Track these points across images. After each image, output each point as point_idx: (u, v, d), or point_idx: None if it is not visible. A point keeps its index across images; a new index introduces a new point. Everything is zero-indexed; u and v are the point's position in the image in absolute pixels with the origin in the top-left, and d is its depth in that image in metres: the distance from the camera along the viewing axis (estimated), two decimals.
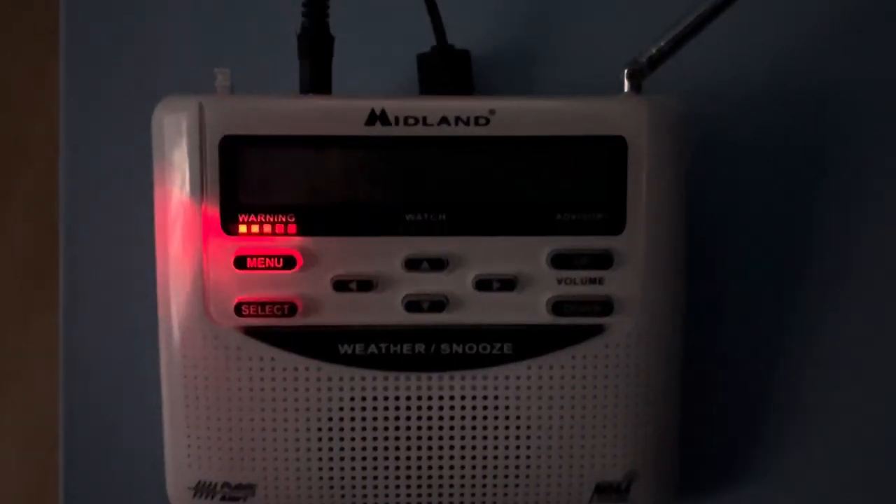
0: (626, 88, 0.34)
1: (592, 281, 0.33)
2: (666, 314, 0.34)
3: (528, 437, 0.34)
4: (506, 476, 0.34)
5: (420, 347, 0.33)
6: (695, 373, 0.37)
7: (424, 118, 0.32)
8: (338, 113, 0.32)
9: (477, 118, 0.32)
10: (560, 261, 0.33)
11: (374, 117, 0.32)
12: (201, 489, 0.34)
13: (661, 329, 0.34)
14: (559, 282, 0.33)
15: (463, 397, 0.34)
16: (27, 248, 0.98)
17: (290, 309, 0.33)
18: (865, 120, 0.40)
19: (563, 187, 0.33)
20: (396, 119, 0.32)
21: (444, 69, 0.38)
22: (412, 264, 0.33)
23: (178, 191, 0.33)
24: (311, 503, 0.34)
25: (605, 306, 0.33)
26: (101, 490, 0.39)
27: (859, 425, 0.40)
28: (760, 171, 0.40)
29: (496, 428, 0.34)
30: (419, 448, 0.34)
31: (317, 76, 0.35)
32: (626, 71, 0.34)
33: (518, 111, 0.33)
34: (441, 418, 0.34)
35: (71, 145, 0.40)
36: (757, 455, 0.40)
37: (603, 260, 0.33)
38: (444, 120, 0.32)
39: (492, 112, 0.32)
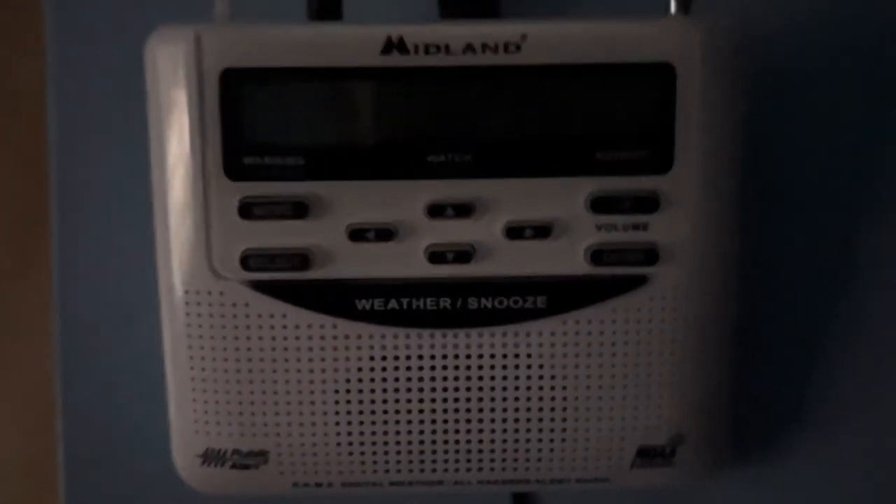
0: (672, 10, 0.31)
1: (636, 227, 0.30)
2: (717, 263, 0.31)
3: (564, 399, 0.31)
4: (539, 440, 0.31)
5: (445, 302, 0.30)
6: (752, 329, 0.34)
7: (447, 46, 0.29)
8: (350, 42, 0.29)
9: (507, 45, 0.29)
10: (600, 204, 0.30)
11: (390, 46, 0.29)
12: (210, 456, 0.32)
13: (712, 280, 0.31)
14: (599, 228, 0.30)
15: (492, 356, 0.31)
16: (19, 201, 0.95)
17: (302, 261, 0.30)
18: None
19: (603, 122, 0.30)
20: (416, 47, 0.29)
21: None
22: (435, 210, 0.30)
23: (175, 132, 0.30)
24: (328, 470, 0.32)
25: (650, 254, 0.30)
26: (102, 455, 0.36)
27: None
28: (814, 103, 0.36)
29: (529, 388, 0.31)
30: (445, 411, 0.31)
31: (326, 1, 0.31)
32: None
33: (553, 36, 0.29)
34: (469, 378, 0.31)
35: (59, 88, 0.36)
36: (817, 421, 0.37)
37: (648, 203, 0.30)
38: (469, 48, 0.29)
39: (523, 37, 0.29)
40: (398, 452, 0.32)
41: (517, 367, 0.31)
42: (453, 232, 0.30)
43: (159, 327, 0.32)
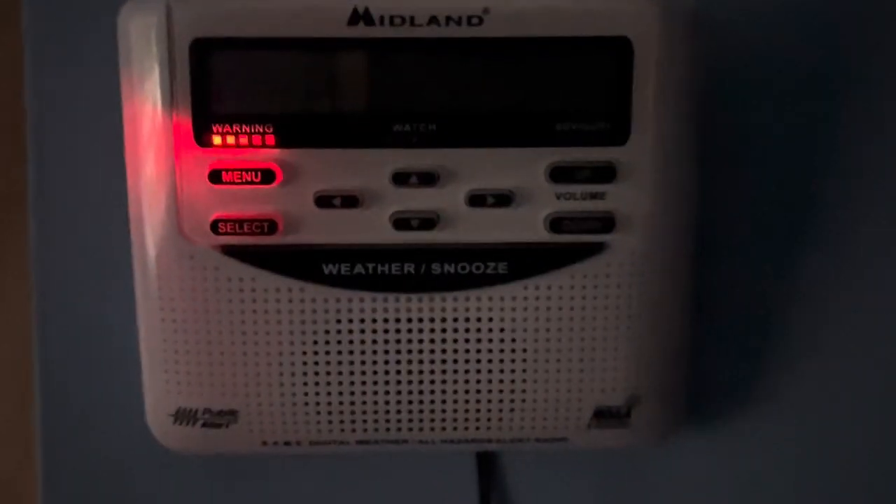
0: None
1: (594, 196, 0.31)
2: (673, 232, 0.32)
3: (524, 361, 0.32)
4: (500, 401, 0.33)
5: (409, 267, 0.31)
6: (708, 295, 0.35)
7: (412, 17, 0.30)
8: (317, 12, 0.30)
9: (469, 18, 0.30)
10: (559, 174, 0.31)
11: (356, 17, 0.30)
12: (181, 415, 0.33)
13: (667, 248, 0.32)
14: (558, 197, 0.31)
15: (455, 319, 0.32)
16: None
17: (270, 226, 0.31)
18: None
19: (562, 94, 0.31)
20: (381, 18, 0.30)
21: None
22: (400, 178, 0.31)
23: (146, 100, 0.30)
24: (296, 429, 0.33)
25: (607, 223, 0.31)
26: (79, 417, 0.37)
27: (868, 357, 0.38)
28: (775, 85, 0.37)
29: (490, 351, 0.32)
30: (409, 373, 0.32)
31: None
32: None
33: (514, 10, 0.30)
34: (432, 341, 0.32)
35: (35, 63, 0.37)
36: (766, 384, 0.38)
37: (605, 173, 0.31)
38: (433, 20, 0.30)
39: (486, 11, 0.30)
40: (364, 412, 0.33)
41: (479, 330, 0.32)
42: (418, 199, 0.31)
43: (133, 291, 0.33)
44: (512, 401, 0.33)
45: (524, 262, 0.32)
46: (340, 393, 0.32)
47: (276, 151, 0.30)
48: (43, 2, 0.37)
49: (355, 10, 0.30)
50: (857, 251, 0.38)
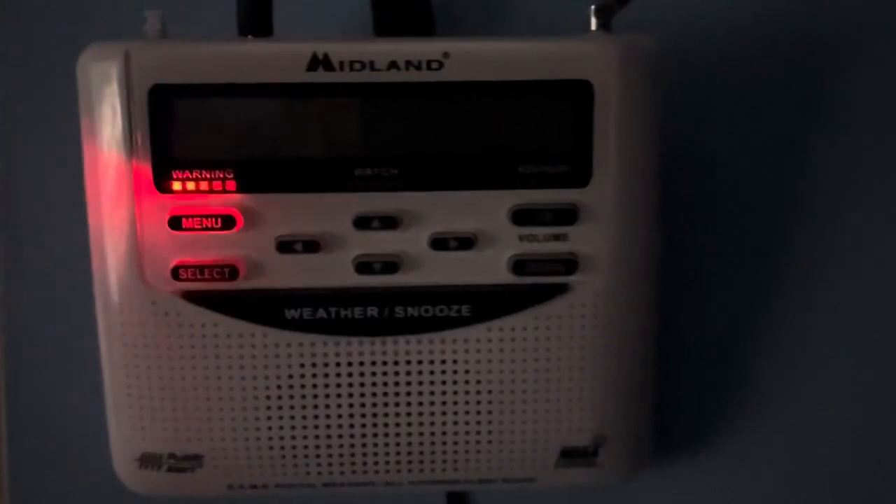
0: (593, 27, 0.32)
1: (556, 237, 0.31)
2: (635, 273, 0.32)
3: (490, 402, 0.32)
4: (467, 443, 0.33)
5: (372, 311, 0.31)
6: (671, 334, 0.35)
7: (372, 63, 0.30)
8: (277, 58, 0.30)
9: (429, 62, 0.30)
10: (522, 216, 0.31)
11: (316, 62, 0.30)
12: (147, 460, 0.33)
13: (631, 288, 0.32)
14: (521, 239, 0.31)
15: (420, 362, 0.32)
16: None
17: (231, 272, 0.31)
18: (857, 63, 0.37)
19: (524, 137, 0.31)
20: (341, 64, 0.30)
21: (400, 7, 0.34)
22: (362, 222, 0.31)
23: (106, 146, 0.30)
24: (261, 473, 0.33)
25: (570, 264, 0.31)
26: (46, 461, 0.37)
27: (849, 375, 0.38)
28: (741, 119, 0.37)
29: (455, 393, 0.32)
30: (374, 416, 0.32)
31: (256, 17, 0.32)
32: (592, 7, 0.31)
33: (474, 54, 0.30)
34: (397, 384, 0.32)
35: (3, 98, 0.37)
36: (732, 417, 0.38)
37: (567, 215, 0.31)
38: (393, 64, 0.30)
39: (445, 55, 0.30)
40: (329, 455, 0.33)
41: (444, 372, 0.32)
42: (380, 243, 0.31)
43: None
44: (478, 442, 0.33)
45: (488, 304, 0.31)
46: (305, 437, 0.32)
47: (237, 197, 0.30)
48: (9, 40, 0.37)
49: (314, 56, 0.30)
50: (826, 273, 0.38)
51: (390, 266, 0.31)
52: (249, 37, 0.32)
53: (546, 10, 0.37)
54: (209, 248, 0.31)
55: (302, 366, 0.32)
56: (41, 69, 0.36)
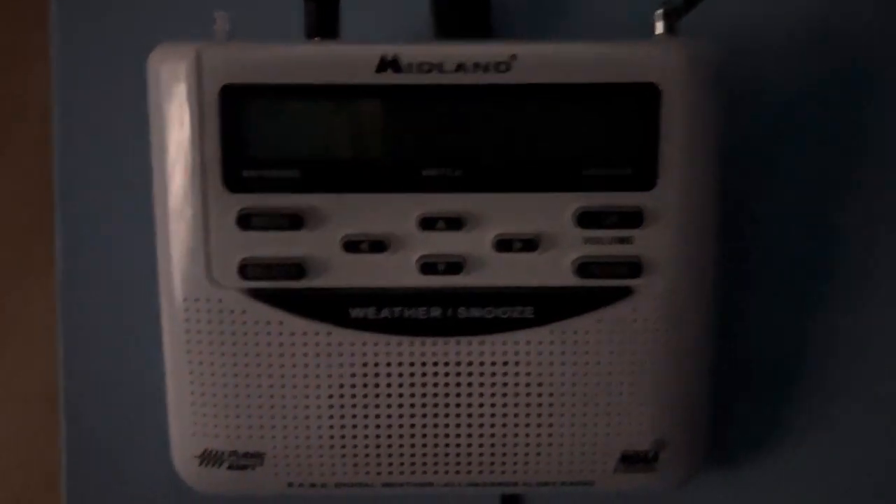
0: (658, 30, 0.32)
1: (621, 240, 0.31)
2: (698, 276, 0.32)
3: (551, 405, 0.32)
4: (527, 445, 0.33)
5: (436, 311, 0.31)
6: (726, 338, 0.35)
7: (440, 65, 0.30)
8: (346, 60, 0.30)
9: (497, 64, 0.30)
10: (587, 219, 0.31)
11: (385, 64, 0.30)
12: (208, 457, 0.33)
13: (693, 292, 0.32)
14: (585, 241, 0.31)
15: (481, 363, 0.32)
16: (21, 208, 0.96)
17: (298, 270, 0.31)
18: None
19: (590, 140, 0.31)
20: (410, 66, 0.30)
21: (460, 11, 0.35)
22: (427, 223, 0.31)
23: (176, 145, 0.31)
24: (321, 471, 0.33)
25: (634, 267, 0.31)
26: (104, 457, 0.37)
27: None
28: (800, 123, 0.37)
29: (516, 395, 0.32)
30: (435, 416, 0.32)
31: (323, 19, 0.32)
32: (659, 11, 0.31)
33: (542, 57, 0.30)
34: (458, 385, 0.32)
35: (65, 99, 0.37)
36: (789, 425, 0.38)
37: (633, 218, 0.31)
38: (461, 67, 0.30)
39: (513, 57, 0.30)
40: (390, 455, 0.33)
41: (505, 374, 0.32)
42: (445, 244, 0.31)
43: (160, 332, 0.33)
44: (538, 445, 0.33)
45: (551, 306, 0.31)
46: (366, 436, 0.32)
47: (305, 196, 0.31)
48: (73, 40, 0.37)
49: (383, 58, 0.30)
50: (887, 277, 0.37)
51: (454, 266, 0.31)
52: (317, 39, 0.32)
53: (601, 12, 0.37)
54: (276, 246, 0.31)
55: (365, 365, 0.32)
56: (100, 69, 0.37)
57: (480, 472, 0.33)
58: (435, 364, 0.32)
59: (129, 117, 0.34)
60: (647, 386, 0.32)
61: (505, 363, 0.32)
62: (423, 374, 0.32)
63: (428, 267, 0.31)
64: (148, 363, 0.35)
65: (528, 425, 0.32)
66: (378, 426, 0.32)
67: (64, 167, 0.37)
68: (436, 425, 0.32)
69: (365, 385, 0.32)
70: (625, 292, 0.31)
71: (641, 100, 0.30)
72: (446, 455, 0.33)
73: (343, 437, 0.32)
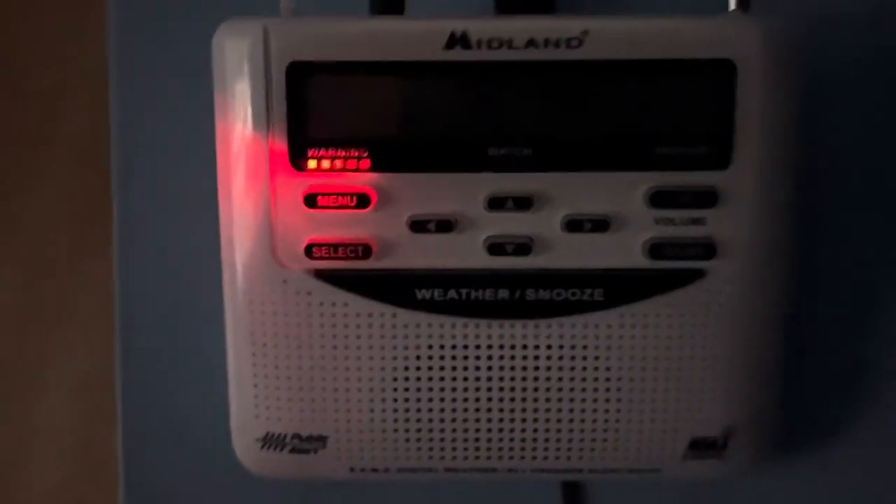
0: (732, 6, 0.31)
1: (694, 221, 0.30)
2: (773, 258, 0.31)
3: (619, 390, 0.32)
4: (594, 430, 0.32)
5: (503, 293, 0.31)
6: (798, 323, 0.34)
7: (510, 41, 0.29)
8: (414, 36, 0.29)
9: (569, 40, 0.29)
10: (659, 199, 0.30)
11: (454, 40, 0.29)
12: (269, 441, 0.33)
13: (768, 275, 0.31)
14: (657, 222, 0.30)
15: (549, 346, 0.31)
16: (77, 192, 0.97)
17: (364, 251, 0.31)
18: None
19: (663, 117, 0.30)
20: (479, 42, 0.29)
21: None
22: (495, 203, 0.30)
23: (241, 124, 0.30)
24: (384, 456, 0.32)
25: (708, 249, 0.30)
26: (161, 441, 0.37)
27: None
28: (875, 105, 0.36)
29: (584, 380, 0.31)
30: (500, 400, 0.32)
31: None
32: None
33: (614, 32, 0.29)
34: (525, 368, 0.31)
35: (122, 78, 0.37)
36: (858, 411, 0.37)
37: (707, 198, 0.30)
38: (531, 42, 0.29)
39: (585, 33, 0.29)
40: (454, 440, 0.32)
41: (573, 358, 0.31)
42: (513, 224, 0.31)
43: (221, 313, 0.32)
44: (605, 430, 0.32)
45: (621, 288, 0.31)
46: (430, 420, 0.32)
47: (372, 176, 0.30)
48: (129, 20, 0.37)
49: (452, 34, 0.29)
50: None
51: (522, 248, 0.31)
52: (382, 15, 0.32)
53: None
54: (343, 226, 0.30)
55: (430, 347, 0.31)
56: (159, 48, 0.37)
57: (546, 457, 0.32)
58: (501, 347, 0.31)
59: (189, 96, 0.34)
60: (718, 371, 0.31)
61: (573, 347, 0.31)
62: (490, 358, 0.31)
63: (496, 248, 0.31)
64: (208, 346, 0.35)
65: (595, 410, 0.32)
66: (443, 410, 0.32)
67: (121, 149, 0.37)
68: (501, 409, 0.32)
69: (430, 368, 0.31)
70: (697, 275, 0.31)
71: (716, 76, 0.29)
72: (511, 440, 0.32)
73: (407, 420, 0.32)
